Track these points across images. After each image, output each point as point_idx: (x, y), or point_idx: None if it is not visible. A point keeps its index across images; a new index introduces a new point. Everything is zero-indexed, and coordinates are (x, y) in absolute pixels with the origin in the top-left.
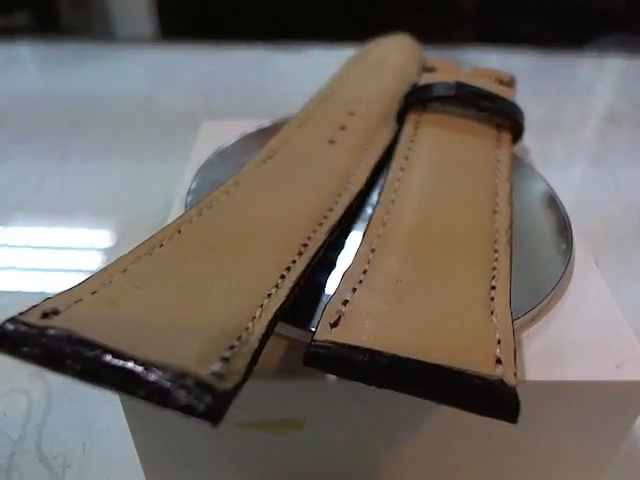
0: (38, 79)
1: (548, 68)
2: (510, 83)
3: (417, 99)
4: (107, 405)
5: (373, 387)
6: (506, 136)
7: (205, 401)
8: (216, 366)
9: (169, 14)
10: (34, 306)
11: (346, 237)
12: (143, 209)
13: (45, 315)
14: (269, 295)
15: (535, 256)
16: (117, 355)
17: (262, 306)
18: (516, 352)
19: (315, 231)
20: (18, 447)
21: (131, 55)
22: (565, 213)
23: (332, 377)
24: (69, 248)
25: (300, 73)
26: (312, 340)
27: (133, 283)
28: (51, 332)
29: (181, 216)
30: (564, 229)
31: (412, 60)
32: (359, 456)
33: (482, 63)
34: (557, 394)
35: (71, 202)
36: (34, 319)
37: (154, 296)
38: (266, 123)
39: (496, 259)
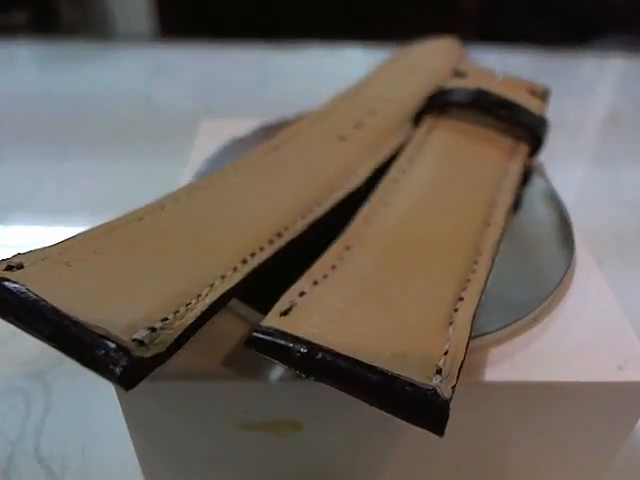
0: (37, 78)
1: (549, 68)
2: (543, 95)
3: (435, 103)
4: (106, 406)
5: None
6: (523, 148)
7: (120, 364)
8: (141, 334)
9: (168, 13)
10: (4, 259)
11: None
12: None
13: (9, 268)
14: (223, 277)
15: (537, 256)
16: (54, 312)
17: (212, 286)
18: (463, 366)
19: (295, 222)
20: (16, 448)
21: (130, 54)
22: (567, 213)
23: None
24: None
25: (300, 73)
26: (258, 325)
27: (95, 249)
28: (5, 283)
29: (170, 194)
30: (566, 229)
31: (451, 66)
32: (359, 456)
33: (482, 63)
34: (558, 394)
35: (70, 202)
36: None
37: (110, 263)
38: (266, 123)
39: (474, 271)
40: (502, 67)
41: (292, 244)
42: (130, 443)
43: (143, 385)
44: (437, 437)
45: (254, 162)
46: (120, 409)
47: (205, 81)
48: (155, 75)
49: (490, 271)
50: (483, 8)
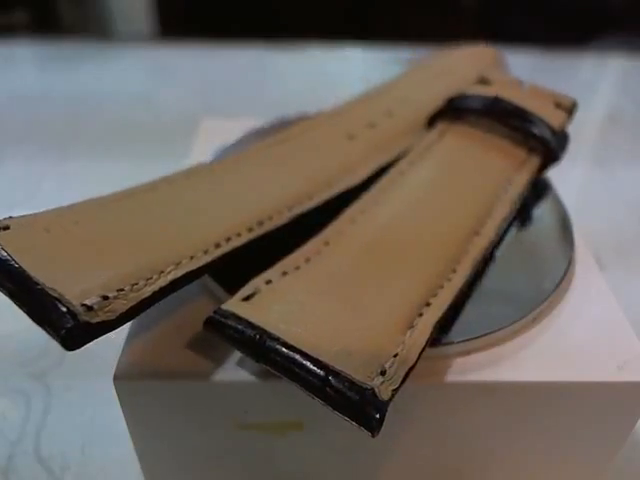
0: (37, 78)
1: (549, 68)
2: (569, 108)
3: (449, 108)
4: (106, 406)
5: None
6: (534, 160)
7: (65, 326)
8: (92, 300)
9: (168, 13)
10: None
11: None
12: None
13: None
14: (192, 257)
15: (537, 256)
16: (20, 272)
17: (178, 264)
18: (410, 372)
19: (281, 213)
20: (16, 448)
21: (130, 54)
22: (566, 213)
23: None
24: None
25: (300, 73)
26: (218, 307)
27: (77, 219)
28: None
29: (168, 176)
30: (566, 229)
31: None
32: (359, 456)
33: None
34: (559, 394)
35: (70, 201)
36: None
37: (85, 234)
38: (266, 123)
39: (449, 279)
40: None
41: (273, 234)
42: (130, 443)
43: (143, 385)
44: (437, 437)
45: (258, 153)
46: (120, 409)
47: (205, 81)
48: (155, 75)
49: (469, 280)
50: (483, 8)
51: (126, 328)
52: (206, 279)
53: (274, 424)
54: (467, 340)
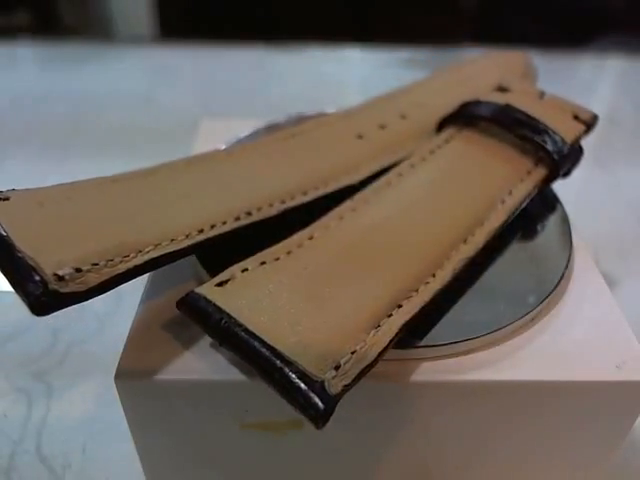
0: (38, 79)
1: (548, 68)
2: (588, 121)
3: (458, 113)
4: (107, 405)
5: (374, 387)
6: (540, 172)
7: (35, 292)
8: (65, 271)
9: (169, 14)
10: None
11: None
12: None
13: None
14: (172, 240)
15: (536, 256)
16: (6, 240)
17: (157, 245)
18: (367, 370)
19: (271, 206)
20: (18, 447)
21: (131, 55)
22: (565, 213)
23: None
24: None
25: (300, 73)
26: (192, 290)
27: (70, 196)
28: None
29: (172, 161)
30: (564, 229)
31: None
32: (359, 456)
33: None
34: (557, 394)
35: None
36: None
37: (75, 211)
38: (265, 123)
39: (427, 283)
40: None
41: (264, 225)
42: (131, 442)
43: (144, 384)
44: (437, 437)
45: (264, 146)
46: (121, 408)
47: (205, 82)
48: (155, 76)
49: (448, 285)
50: (482, 9)
51: (127, 328)
52: (206, 278)
53: (274, 423)
54: (466, 340)
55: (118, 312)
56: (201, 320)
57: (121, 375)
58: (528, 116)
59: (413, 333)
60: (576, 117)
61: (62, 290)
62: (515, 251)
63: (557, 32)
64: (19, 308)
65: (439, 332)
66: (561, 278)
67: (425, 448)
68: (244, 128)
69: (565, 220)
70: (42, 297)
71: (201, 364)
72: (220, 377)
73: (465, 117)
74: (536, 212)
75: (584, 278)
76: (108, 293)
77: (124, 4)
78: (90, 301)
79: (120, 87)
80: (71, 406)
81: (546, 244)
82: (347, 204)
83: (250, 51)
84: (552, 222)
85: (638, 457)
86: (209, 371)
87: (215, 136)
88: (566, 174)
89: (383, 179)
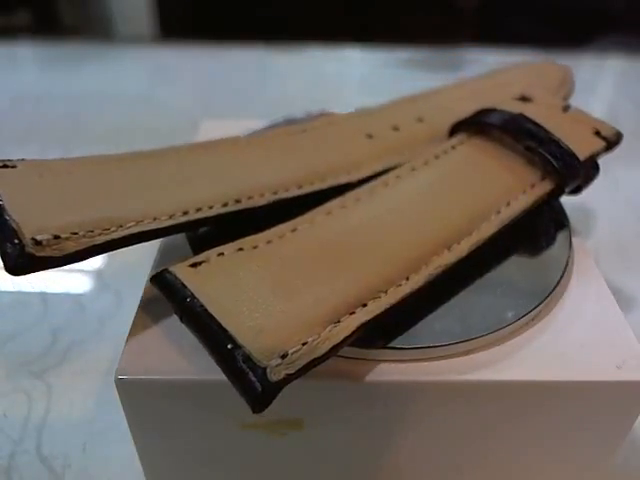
0: (38, 79)
1: None
2: (609, 138)
3: (469, 120)
4: (107, 405)
5: (375, 387)
6: (545, 186)
7: (11, 254)
8: (42, 237)
9: (169, 14)
10: (11, 159)
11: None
12: None
13: (5, 166)
14: (155, 219)
15: (535, 256)
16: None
17: (139, 222)
18: (316, 363)
19: (262, 195)
20: (18, 447)
21: (131, 55)
22: (565, 213)
23: (332, 377)
24: None
25: (300, 73)
26: (166, 268)
27: (71, 170)
28: None
29: (179, 145)
30: (564, 229)
31: (536, 90)
32: (359, 456)
33: (481, 63)
34: (557, 394)
35: None
36: None
37: (71, 184)
38: (265, 123)
39: (399, 285)
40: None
41: (251, 214)
42: (131, 442)
43: (145, 384)
44: (437, 437)
45: (272, 138)
46: (121, 408)
47: (205, 82)
48: (155, 76)
49: (420, 290)
50: (483, 8)
51: (127, 328)
52: None
53: (274, 423)
54: (466, 340)
55: (118, 312)
56: (169, 296)
57: (121, 375)
58: (539, 127)
59: (413, 333)
60: (597, 133)
61: (38, 254)
62: (515, 250)
63: (557, 32)
64: (20, 308)
65: (439, 332)
66: (561, 278)
67: (425, 449)
68: (244, 129)
69: (564, 219)
70: (18, 259)
71: (201, 364)
72: (220, 377)
73: (475, 124)
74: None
75: (584, 278)
76: (107, 294)
77: (124, 4)
78: (91, 301)
79: (120, 87)
80: (71, 406)
81: (546, 244)
82: (337, 201)
83: (250, 51)
84: (551, 221)
85: (638, 457)
86: (209, 371)
87: (215, 136)
88: (576, 191)
89: (380, 179)
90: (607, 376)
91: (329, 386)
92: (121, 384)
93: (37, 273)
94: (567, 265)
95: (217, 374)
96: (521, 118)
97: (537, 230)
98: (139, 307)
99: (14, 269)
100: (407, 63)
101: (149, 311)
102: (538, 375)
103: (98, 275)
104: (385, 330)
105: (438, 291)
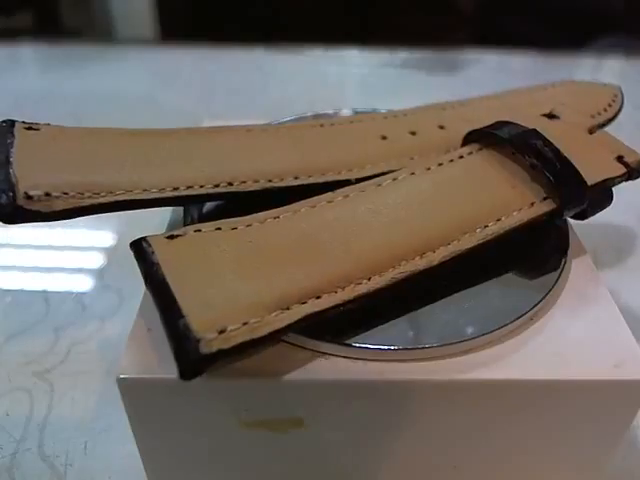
0: (40, 80)
1: (547, 69)
2: (632, 165)
3: (479, 131)
4: (109, 404)
5: (374, 388)
6: (544, 206)
7: (4, 205)
8: (34, 192)
9: (170, 15)
10: (37, 123)
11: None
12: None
13: (29, 128)
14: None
15: (534, 255)
16: (5, 160)
17: (129, 192)
18: (253, 345)
19: (257, 182)
20: (20, 446)
21: (132, 56)
22: None
23: (332, 376)
24: (70, 247)
25: (300, 74)
26: (146, 236)
27: (85, 138)
28: (9, 132)
29: (196, 127)
30: (562, 228)
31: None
32: (359, 456)
33: (481, 64)
34: (555, 393)
35: None
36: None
37: (80, 149)
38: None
39: (357, 284)
40: (501, 68)
41: (240, 196)
42: (132, 441)
43: (146, 383)
44: (436, 437)
45: (286, 130)
46: (122, 407)
47: (206, 83)
48: (157, 77)
49: (380, 292)
50: (482, 9)
51: (129, 327)
52: None
53: (274, 422)
54: (465, 340)
55: (119, 311)
56: (138, 260)
57: (122, 374)
58: (548, 145)
59: (413, 333)
60: (620, 158)
61: (27, 207)
62: (513, 250)
63: (557, 32)
64: (22, 307)
65: (438, 332)
66: (559, 277)
67: (425, 447)
68: None
69: (564, 219)
70: (8, 208)
71: None
72: (220, 376)
73: (486, 135)
74: None
75: (582, 277)
76: (109, 293)
77: (125, 6)
78: (91, 301)
79: (121, 88)
80: (73, 405)
81: (544, 243)
82: (326, 195)
83: (250, 52)
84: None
85: (637, 457)
86: (209, 371)
87: None
88: (582, 216)
89: (374, 180)
90: (605, 375)
91: (329, 386)
92: (122, 383)
93: (34, 271)
94: (565, 264)
95: (217, 374)
96: (532, 133)
97: (536, 229)
98: (140, 306)
99: (3, 217)
100: (407, 63)
101: (150, 310)
102: (536, 374)
103: (100, 275)
104: (384, 330)
105: (436, 291)
